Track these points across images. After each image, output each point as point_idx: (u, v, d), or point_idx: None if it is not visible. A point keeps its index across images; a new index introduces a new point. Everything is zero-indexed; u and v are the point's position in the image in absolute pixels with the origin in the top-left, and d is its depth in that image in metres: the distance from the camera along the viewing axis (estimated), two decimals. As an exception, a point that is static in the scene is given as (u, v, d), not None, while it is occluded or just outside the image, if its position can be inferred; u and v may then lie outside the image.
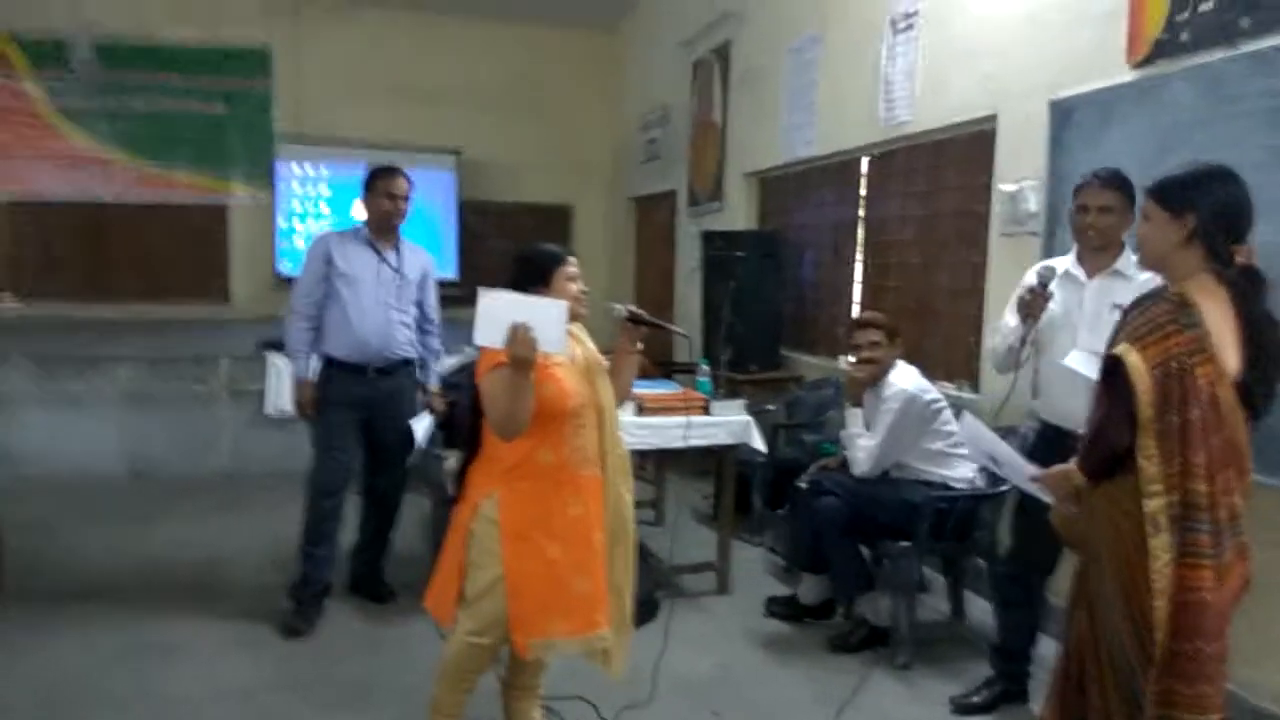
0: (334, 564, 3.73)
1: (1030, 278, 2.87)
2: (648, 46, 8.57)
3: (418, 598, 3.66)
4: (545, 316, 2.11)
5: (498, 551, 2.31)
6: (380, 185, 3.67)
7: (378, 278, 3.66)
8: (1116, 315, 2.57)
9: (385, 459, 3.82)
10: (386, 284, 3.67)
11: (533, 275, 2.39)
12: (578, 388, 2.37)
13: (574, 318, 2.42)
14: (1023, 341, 2.84)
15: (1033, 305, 2.79)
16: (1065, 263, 2.92)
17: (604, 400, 2.45)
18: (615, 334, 2.56)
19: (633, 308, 2.51)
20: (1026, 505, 2.93)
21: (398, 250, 3.75)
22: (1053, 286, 2.83)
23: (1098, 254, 2.81)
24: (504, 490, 2.33)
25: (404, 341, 3.76)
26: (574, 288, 2.40)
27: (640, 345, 2.55)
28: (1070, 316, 2.82)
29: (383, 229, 3.70)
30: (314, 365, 3.71)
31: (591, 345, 2.51)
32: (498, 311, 2.11)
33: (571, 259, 2.44)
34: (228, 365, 5.95)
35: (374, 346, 3.65)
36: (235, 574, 4.19)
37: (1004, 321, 2.99)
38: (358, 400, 3.66)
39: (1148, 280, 2.60)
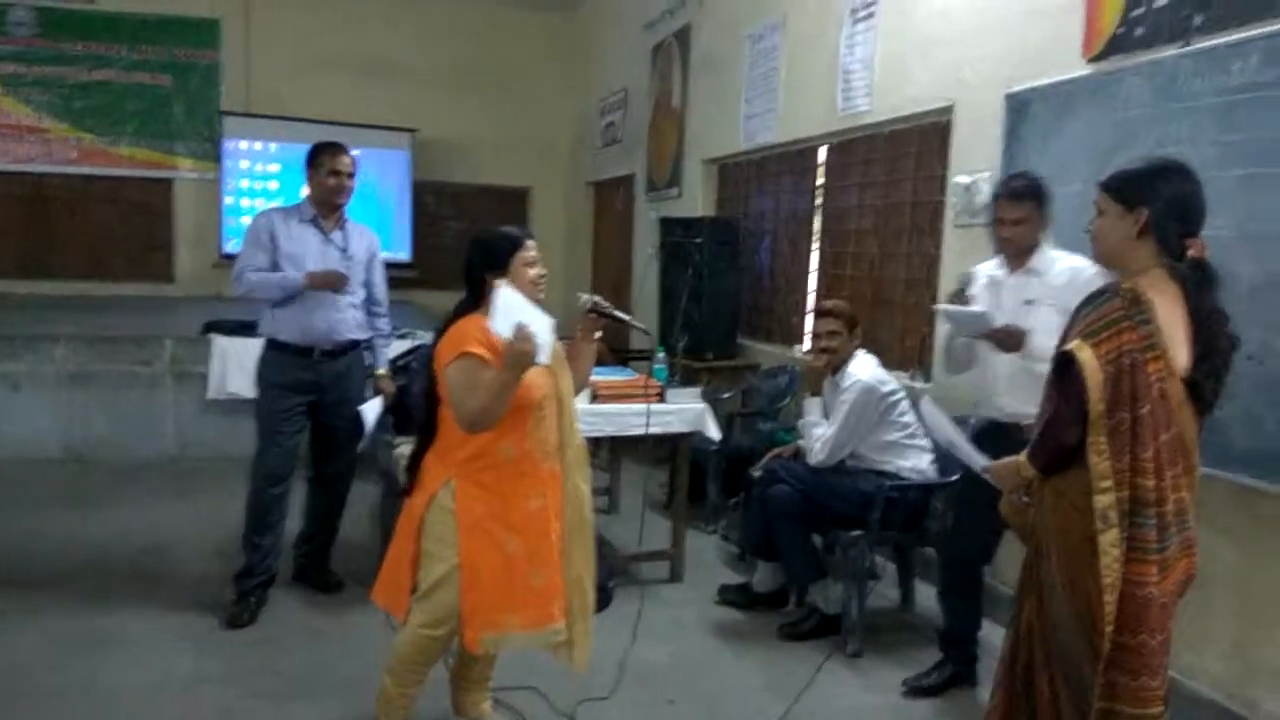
0: (279, 553, 3.64)
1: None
2: (608, 29, 8.49)
3: (364, 587, 3.58)
4: (542, 330, 2.17)
5: (453, 542, 2.27)
6: (325, 161, 3.53)
7: (323, 258, 3.54)
8: (1028, 310, 2.79)
9: (333, 445, 3.72)
10: (332, 265, 3.55)
11: (490, 260, 2.34)
12: (541, 379, 2.33)
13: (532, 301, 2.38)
14: (953, 340, 3.01)
15: None
16: (989, 267, 3.05)
17: (564, 391, 2.42)
18: (578, 319, 2.52)
19: (597, 299, 2.47)
20: (965, 495, 3.07)
21: (343, 230, 3.63)
22: (978, 289, 2.96)
23: (1020, 256, 2.95)
24: (461, 480, 2.29)
25: (352, 324, 3.64)
26: (532, 273, 2.35)
27: (599, 334, 2.51)
28: (994, 314, 2.89)
29: (327, 207, 3.58)
30: (250, 358, 3.62)
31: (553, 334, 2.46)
32: (514, 308, 2.17)
33: (530, 242, 2.38)
34: (172, 346, 5.78)
35: (320, 329, 3.54)
36: (178, 562, 4.07)
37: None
38: (304, 384, 3.55)
39: (1060, 274, 2.81)
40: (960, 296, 2.92)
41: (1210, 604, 2.74)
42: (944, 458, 3.46)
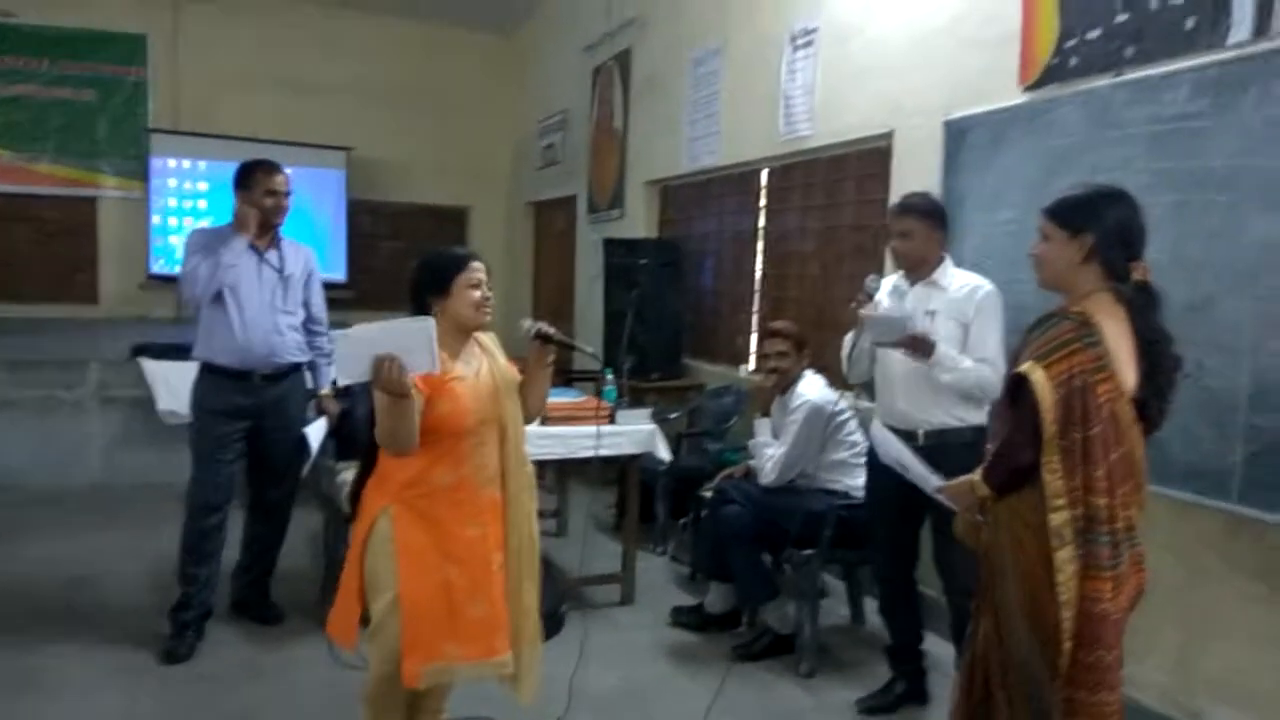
0: (216, 584, 3.52)
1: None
2: (548, 50, 8.50)
3: (306, 618, 3.51)
4: (412, 339, 2.02)
5: (394, 571, 2.21)
6: (260, 181, 3.41)
7: (259, 279, 3.44)
8: (928, 320, 2.88)
9: (274, 471, 3.61)
10: (269, 285, 3.46)
11: (432, 282, 2.29)
12: (478, 404, 2.27)
13: (478, 327, 2.35)
14: (854, 347, 3.08)
15: (858, 314, 2.97)
16: (895, 278, 3.15)
17: (508, 416, 2.36)
18: (526, 347, 2.48)
19: (542, 325, 2.42)
20: (873, 510, 3.22)
21: (278, 249, 3.53)
22: (884, 298, 3.02)
23: (915, 269, 3.04)
24: (398, 506, 2.23)
25: (292, 346, 3.55)
26: (475, 295, 2.30)
27: (551, 359, 2.48)
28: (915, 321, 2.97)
29: (263, 228, 3.45)
30: (183, 382, 3.52)
31: (502, 358, 2.42)
32: (359, 346, 2.01)
33: (475, 264, 2.32)
34: (97, 370, 5.57)
35: (259, 352, 3.43)
36: (108, 595, 3.90)
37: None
38: (242, 410, 3.44)
39: (960, 289, 2.94)
40: (867, 300, 2.95)
41: (1153, 616, 2.81)
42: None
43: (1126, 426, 1.95)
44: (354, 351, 2.02)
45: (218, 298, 3.37)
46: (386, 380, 2.00)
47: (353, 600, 2.29)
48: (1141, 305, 2.01)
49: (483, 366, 2.34)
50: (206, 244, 3.37)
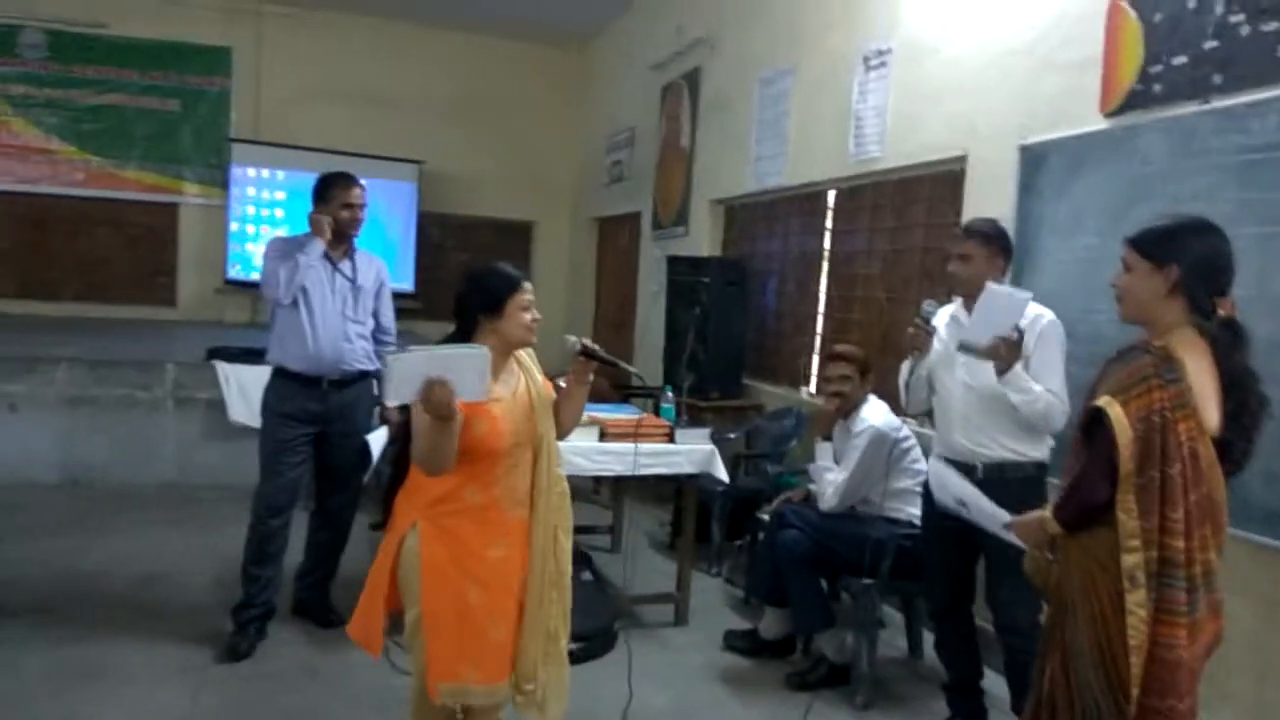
0: (278, 586, 3.59)
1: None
2: (616, 67, 8.57)
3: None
4: (465, 366, 2.02)
5: (418, 586, 2.21)
6: (337, 194, 3.51)
7: (333, 288, 3.53)
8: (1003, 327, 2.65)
9: (338, 476, 3.68)
10: (342, 294, 3.55)
11: (486, 301, 2.26)
12: (515, 425, 2.25)
13: (523, 345, 2.34)
14: (911, 374, 3.03)
15: (915, 339, 2.94)
16: (953, 307, 3.05)
17: (542, 435, 2.33)
18: (567, 362, 2.48)
19: (586, 341, 2.41)
20: (929, 544, 3.12)
21: (352, 259, 3.62)
22: (942, 328, 2.95)
23: (972, 295, 2.89)
24: (426, 523, 2.22)
25: (361, 354, 3.62)
26: (526, 317, 2.28)
27: (591, 377, 2.47)
28: (951, 352, 2.89)
29: (338, 238, 3.55)
30: (255, 387, 3.56)
31: (540, 376, 2.39)
32: (412, 368, 2.00)
33: (527, 284, 2.31)
34: (173, 371, 5.75)
35: (329, 359, 3.51)
36: (175, 592, 4.01)
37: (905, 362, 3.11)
38: (311, 415, 3.52)
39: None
40: (924, 326, 2.92)
41: (1229, 664, 2.71)
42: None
43: (1208, 467, 1.87)
44: (406, 374, 2.01)
45: (292, 303, 3.47)
46: (435, 404, 1.99)
47: (376, 606, 2.28)
48: (1227, 342, 1.93)
49: (519, 384, 2.32)
50: (285, 251, 3.47)
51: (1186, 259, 1.96)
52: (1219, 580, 1.94)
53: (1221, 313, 1.95)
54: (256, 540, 3.53)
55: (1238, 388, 1.92)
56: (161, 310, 8.68)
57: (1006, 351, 2.64)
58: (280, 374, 3.54)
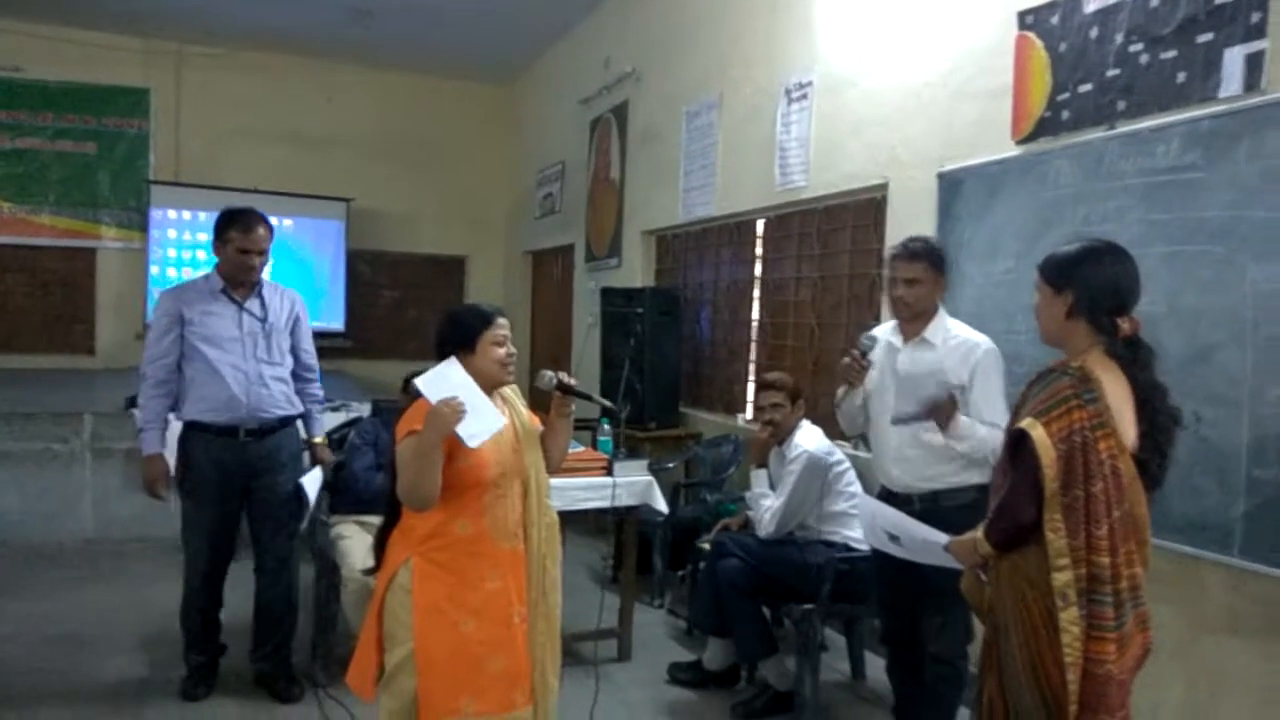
0: (219, 641, 3.49)
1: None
2: (545, 102, 8.60)
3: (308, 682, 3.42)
4: (483, 417, 2.18)
5: (410, 624, 2.19)
6: (234, 239, 3.30)
7: (241, 330, 3.33)
8: (932, 384, 2.70)
9: (271, 530, 3.44)
10: (252, 336, 3.34)
11: (457, 337, 2.32)
12: (499, 457, 2.28)
13: (501, 384, 2.36)
14: (844, 400, 3.03)
15: (849, 372, 2.90)
16: (887, 330, 3.02)
17: (530, 468, 2.37)
18: (539, 398, 2.48)
19: (562, 376, 2.43)
20: (877, 571, 3.04)
21: (260, 295, 3.40)
22: (876, 354, 2.92)
23: (911, 322, 2.91)
24: (418, 559, 2.23)
25: (280, 398, 3.40)
26: (501, 352, 2.32)
27: (573, 409, 2.48)
28: (886, 382, 2.91)
29: (235, 284, 3.37)
30: (171, 437, 3.36)
31: (524, 409, 2.43)
32: (451, 381, 2.17)
33: (501, 320, 2.35)
34: (91, 422, 5.53)
35: (245, 406, 3.29)
36: (96, 654, 3.80)
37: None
38: (230, 468, 3.31)
39: (954, 349, 2.81)
40: (859, 359, 2.87)
41: (1159, 673, 2.77)
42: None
43: (1129, 483, 1.92)
44: (446, 378, 2.18)
45: (197, 354, 3.29)
46: (441, 417, 2.08)
47: (372, 651, 2.29)
48: (1132, 360, 1.99)
49: (504, 420, 2.34)
50: (173, 310, 3.31)
51: (1081, 283, 2.03)
52: (1145, 593, 1.99)
53: (1124, 331, 2.00)
54: (189, 610, 3.40)
55: (1150, 404, 1.98)
56: (79, 359, 8.37)
57: (944, 409, 2.62)
58: (192, 427, 3.33)
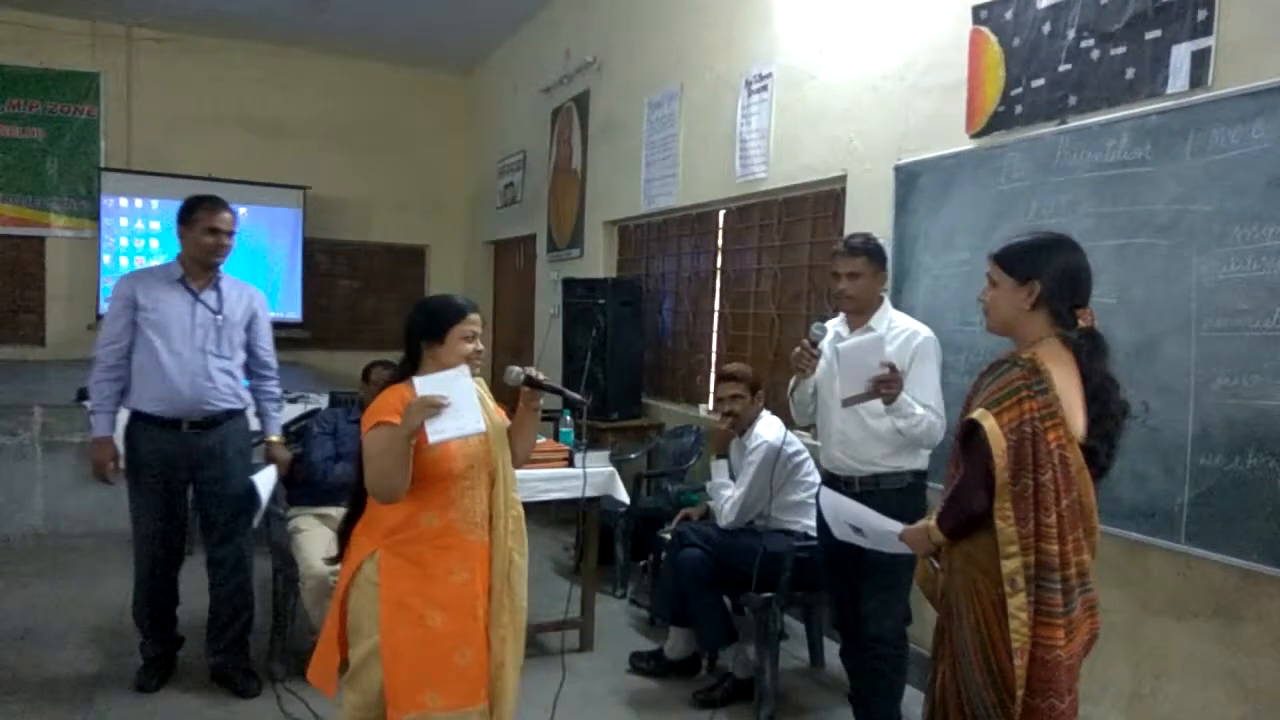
0: (175, 634, 3.45)
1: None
2: (505, 91, 8.54)
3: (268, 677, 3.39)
4: (463, 416, 2.14)
5: (376, 616, 2.19)
6: (202, 217, 3.29)
7: (193, 321, 3.30)
8: (874, 357, 2.69)
9: (220, 526, 3.42)
10: (204, 327, 3.31)
11: (428, 327, 2.31)
12: (466, 450, 2.28)
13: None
14: (795, 390, 3.10)
15: (800, 360, 2.95)
16: (836, 323, 3.12)
17: (497, 461, 2.37)
18: (504, 391, 2.47)
19: (530, 371, 2.42)
20: (826, 560, 3.13)
21: (217, 289, 3.39)
22: (825, 345, 2.99)
23: (856, 315, 3.03)
24: (384, 552, 2.22)
25: (226, 392, 3.36)
26: (468, 347, 2.31)
27: (541, 404, 2.47)
28: (834, 369, 2.95)
29: (200, 266, 3.35)
30: (121, 421, 3.33)
31: (492, 403, 2.42)
32: (448, 382, 2.14)
33: (473, 315, 2.34)
34: (41, 414, 5.41)
35: (188, 398, 3.26)
36: (46, 650, 3.74)
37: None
38: (173, 459, 3.29)
39: (897, 336, 2.88)
40: (810, 349, 2.92)
41: (1106, 657, 2.84)
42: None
43: (1077, 472, 1.96)
44: (446, 377, 2.16)
45: (145, 343, 3.26)
46: (420, 408, 2.08)
47: (333, 645, 2.29)
48: (1088, 351, 2.03)
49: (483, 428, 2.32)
50: (127, 294, 3.28)
51: (1048, 274, 2.05)
52: (1093, 580, 2.04)
53: (1082, 323, 2.05)
54: (140, 596, 3.36)
55: (1099, 395, 2.02)
56: (29, 349, 8.18)
57: (888, 385, 2.66)
58: (137, 417, 3.30)
